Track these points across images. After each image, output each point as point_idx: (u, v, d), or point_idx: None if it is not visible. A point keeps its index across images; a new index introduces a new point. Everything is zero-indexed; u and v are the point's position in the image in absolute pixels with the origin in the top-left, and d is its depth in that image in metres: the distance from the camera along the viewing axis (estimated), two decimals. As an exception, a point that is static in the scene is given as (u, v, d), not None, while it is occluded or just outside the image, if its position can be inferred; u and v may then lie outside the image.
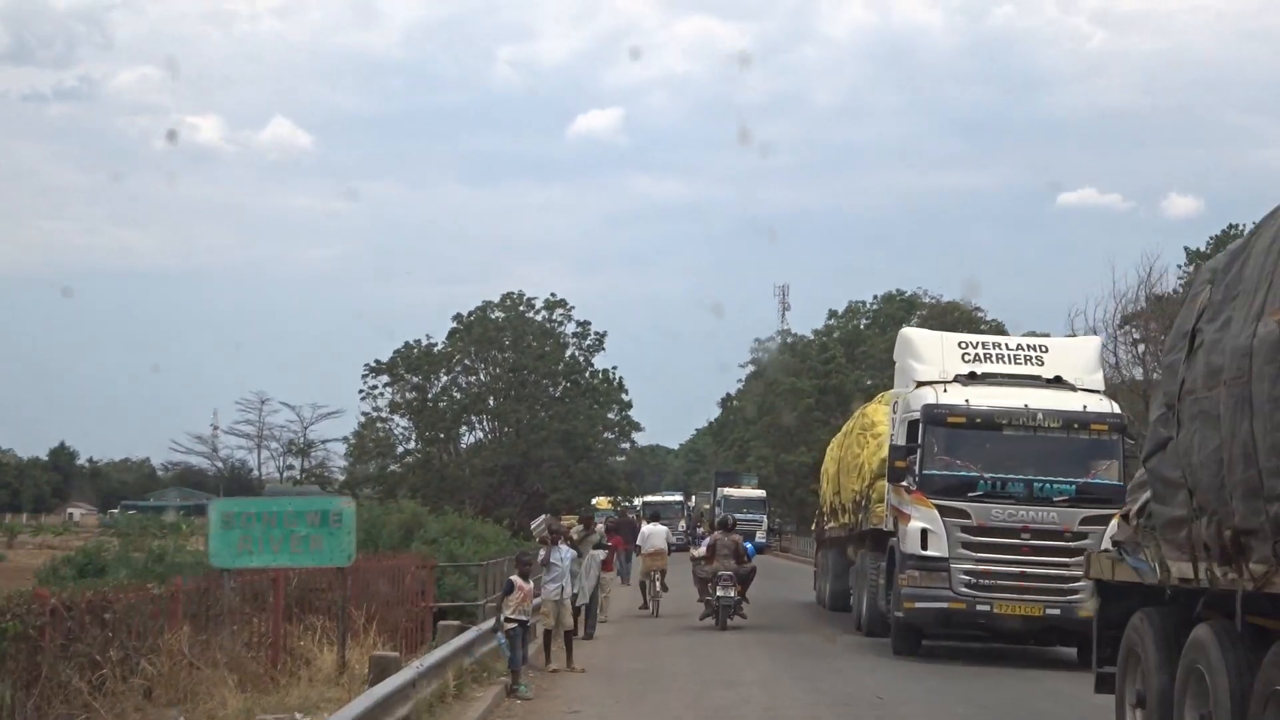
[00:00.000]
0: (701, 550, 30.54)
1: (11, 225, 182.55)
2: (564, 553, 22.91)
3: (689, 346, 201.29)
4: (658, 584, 33.48)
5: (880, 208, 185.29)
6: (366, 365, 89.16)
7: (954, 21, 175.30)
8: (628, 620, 32.92)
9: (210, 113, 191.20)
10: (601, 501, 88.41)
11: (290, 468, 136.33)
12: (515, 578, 20.69)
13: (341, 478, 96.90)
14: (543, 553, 23.14)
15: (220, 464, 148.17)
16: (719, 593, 29.12)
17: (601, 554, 27.29)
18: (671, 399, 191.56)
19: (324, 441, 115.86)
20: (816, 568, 38.98)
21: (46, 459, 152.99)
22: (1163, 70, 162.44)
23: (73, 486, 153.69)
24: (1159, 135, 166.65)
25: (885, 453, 26.52)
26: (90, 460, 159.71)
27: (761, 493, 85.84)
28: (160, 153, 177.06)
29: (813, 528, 38.32)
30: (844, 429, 34.49)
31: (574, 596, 23.64)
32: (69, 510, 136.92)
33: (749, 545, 31.16)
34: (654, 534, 34.19)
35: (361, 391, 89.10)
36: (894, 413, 26.43)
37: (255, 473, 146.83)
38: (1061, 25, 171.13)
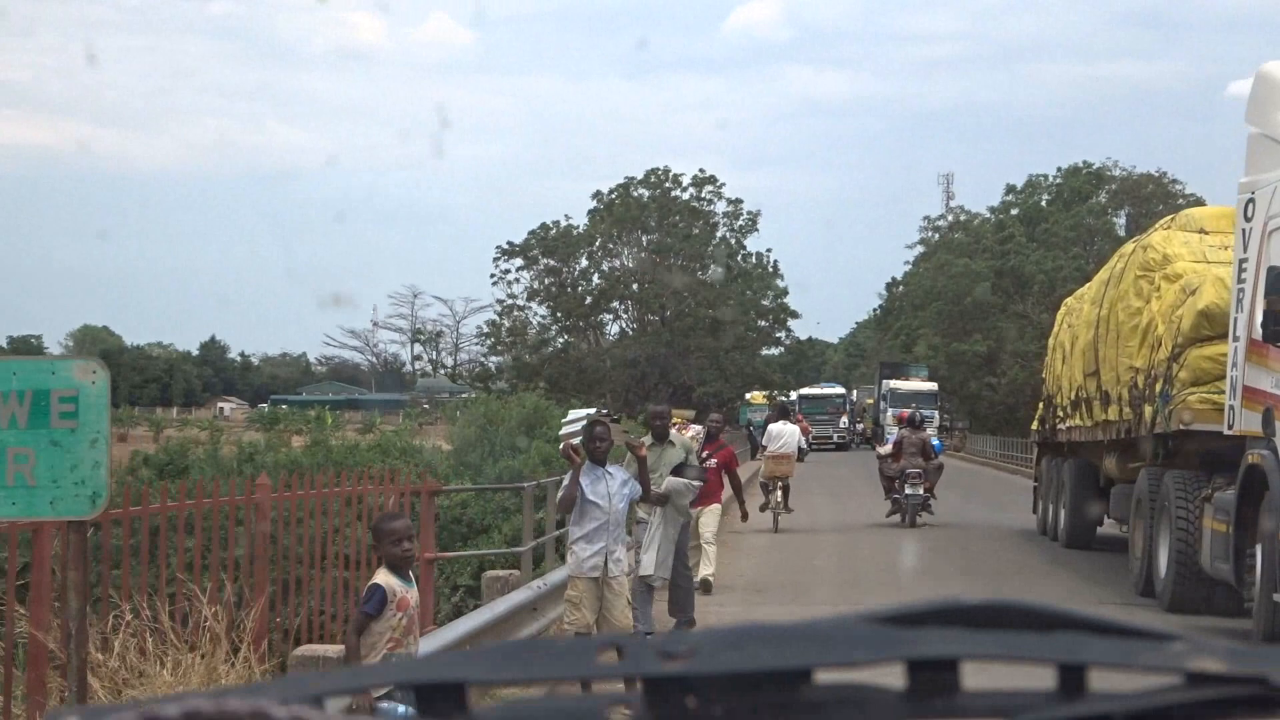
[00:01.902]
0: (888, 448, 29.51)
1: (175, 122, 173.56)
2: (615, 478, 11.55)
3: (849, 241, 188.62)
4: (778, 496, 27.30)
5: (1046, 102, 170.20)
6: (498, 247, 77.69)
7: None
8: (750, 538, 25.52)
9: (370, 9, 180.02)
10: (756, 396, 77.12)
11: (443, 366, 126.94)
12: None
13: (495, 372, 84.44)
14: (567, 479, 11.63)
15: (374, 358, 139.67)
16: (908, 490, 27.91)
17: (695, 484, 14.34)
18: (831, 294, 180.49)
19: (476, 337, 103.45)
20: (1038, 483, 26.26)
21: (198, 353, 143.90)
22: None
23: (225, 381, 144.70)
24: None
25: (1206, 301, 15.79)
26: (241, 354, 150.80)
27: (932, 385, 73.53)
28: (320, 52, 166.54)
29: (1034, 427, 25.63)
30: (1098, 279, 22.38)
31: (635, 569, 13.13)
32: (219, 404, 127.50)
33: (935, 443, 30.40)
34: (783, 434, 27.37)
35: (493, 276, 77.90)
36: (1245, 219, 13.79)
37: (408, 367, 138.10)
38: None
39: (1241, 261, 14.44)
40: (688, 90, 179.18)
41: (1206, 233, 19.05)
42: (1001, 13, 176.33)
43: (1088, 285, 24.59)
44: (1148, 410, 17.87)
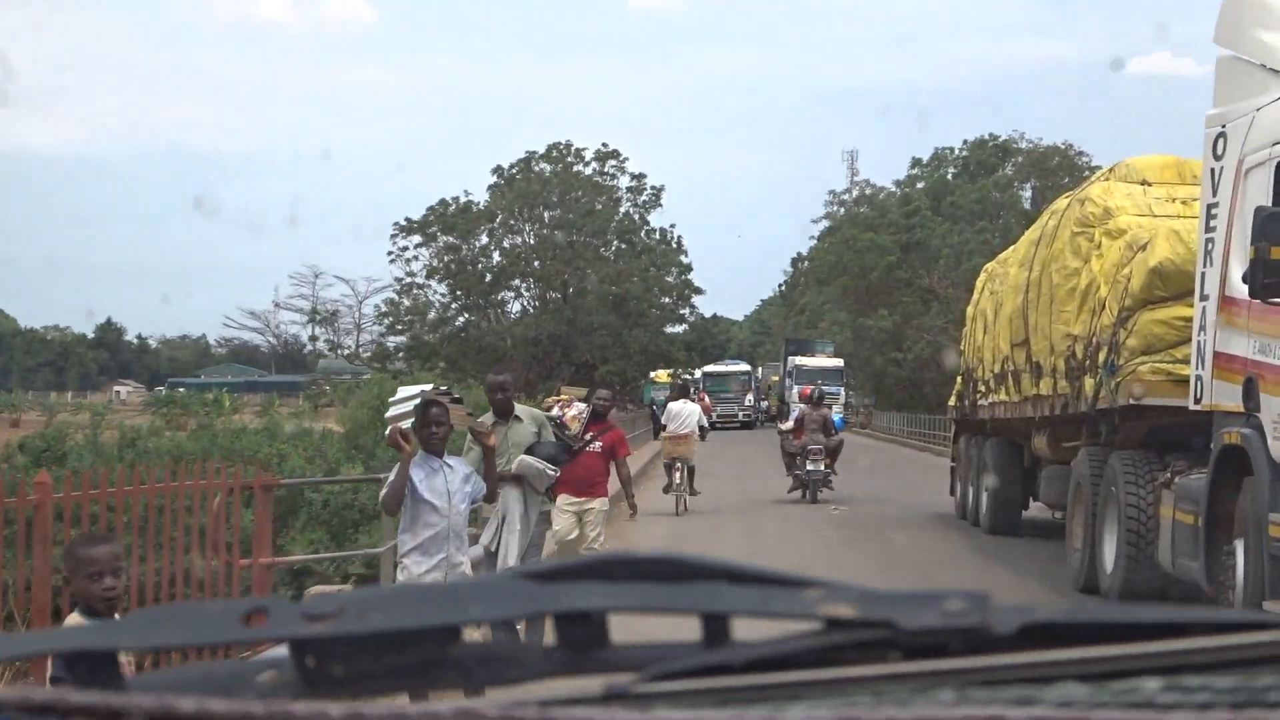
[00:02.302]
0: (789, 424, 29.23)
1: (70, 100, 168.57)
2: (455, 472, 9.25)
3: (754, 219, 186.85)
4: (679, 477, 25.94)
5: (951, 79, 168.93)
6: (395, 224, 74.92)
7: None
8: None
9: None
10: (660, 374, 74.92)
11: (344, 347, 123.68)
12: None
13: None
14: (393, 473, 9.30)
15: (274, 339, 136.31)
16: (809, 466, 27.73)
17: (549, 470, 11.51)
18: (736, 273, 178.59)
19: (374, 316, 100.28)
20: (956, 463, 24.01)
21: (93, 336, 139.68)
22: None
23: (122, 364, 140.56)
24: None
25: (1160, 257, 13.99)
26: (139, 337, 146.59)
27: (838, 361, 71.50)
28: (222, 25, 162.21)
29: (951, 403, 23.37)
30: (1026, 239, 20.21)
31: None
32: (116, 388, 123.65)
33: (837, 419, 30.76)
34: (683, 413, 26.30)
35: (390, 254, 75.08)
36: (1215, 157, 11.54)
37: (308, 348, 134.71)
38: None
39: (1210, 207, 12.11)
40: (593, 68, 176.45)
41: (1149, 184, 16.80)
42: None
43: (1013, 248, 22.31)
44: (1088, 383, 15.58)
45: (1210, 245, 12.11)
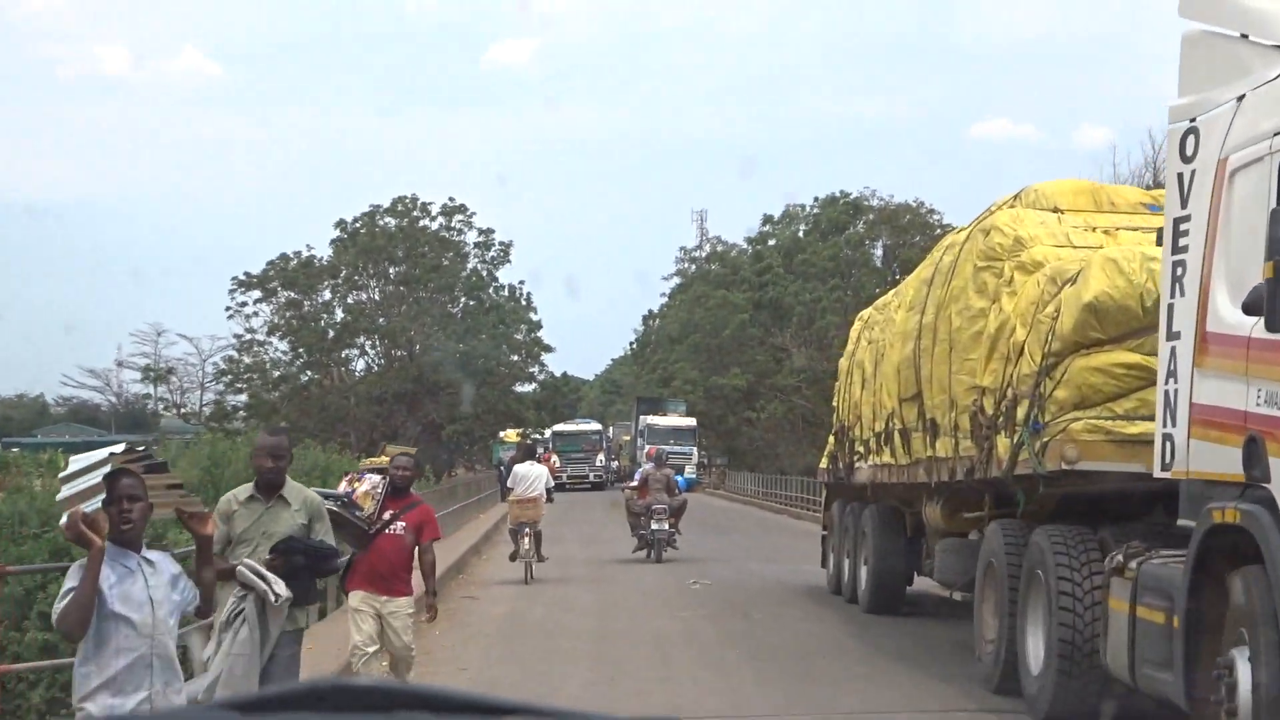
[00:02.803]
0: (634, 483, 29.16)
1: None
2: (160, 572, 6.49)
3: (604, 279, 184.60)
4: (527, 543, 24.38)
5: (800, 136, 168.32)
6: (234, 278, 70.84)
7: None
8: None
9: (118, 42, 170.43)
10: (510, 434, 71.23)
11: (184, 405, 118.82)
12: None
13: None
14: (74, 578, 6.27)
15: (115, 398, 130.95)
16: (653, 526, 27.43)
17: (279, 593, 8.20)
18: (587, 332, 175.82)
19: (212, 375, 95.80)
20: (828, 532, 21.29)
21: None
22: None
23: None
24: (1073, 64, 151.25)
25: (1096, 291, 11.98)
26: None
27: (691, 421, 68.91)
28: (67, 82, 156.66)
29: (823, 465, 20.63)
30: (914, 278, 17.54)
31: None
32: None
33: (680, 479, 30.48)
34: (529, 476, 24.87)
35: (228, 309, 70.90)
36: (1184, 158, 8.93)
37: (151, 407, 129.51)
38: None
39: (1179, 223, 9.44)
40: (443, 125, 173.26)
41: (1062, 211, 14.24)
42: (752, 47, 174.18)
43: (894, 291, 19.57)
44: (1002, 443, 12.85)
45: (1179, 271, 9.43)
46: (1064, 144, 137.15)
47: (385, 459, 16.24)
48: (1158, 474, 9.70)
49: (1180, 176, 9.47)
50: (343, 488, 11.00)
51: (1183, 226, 9.39)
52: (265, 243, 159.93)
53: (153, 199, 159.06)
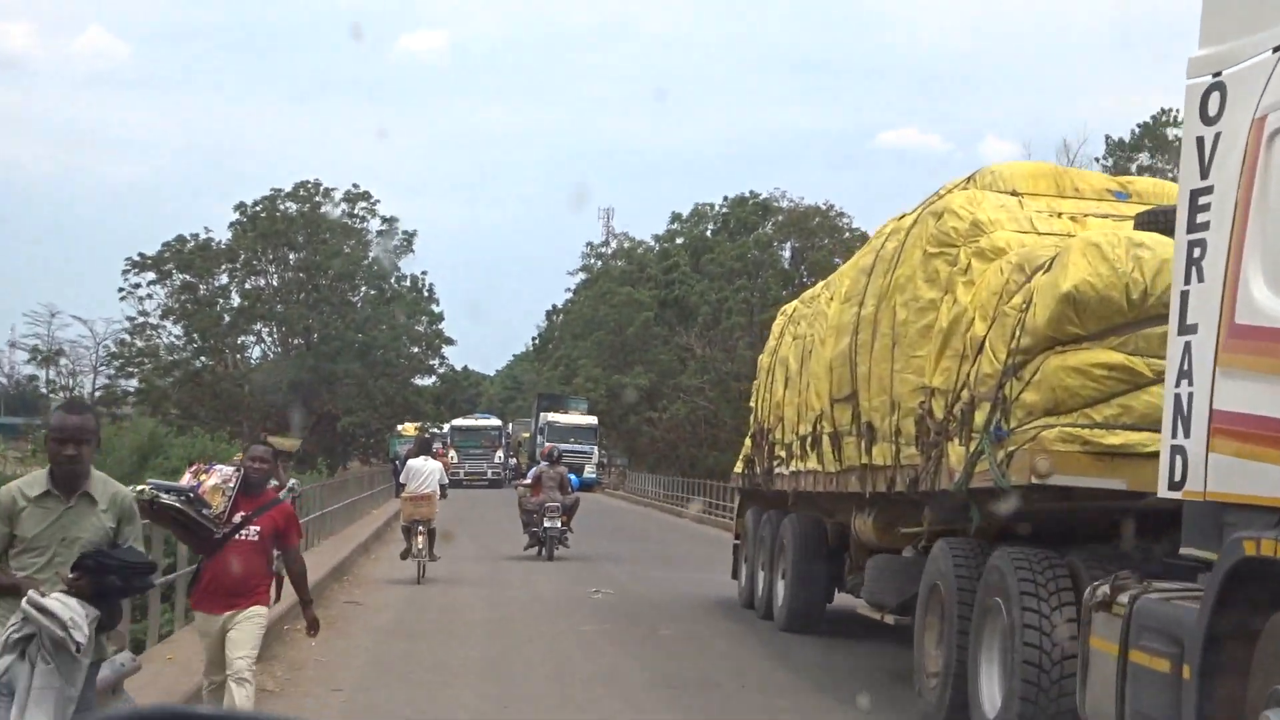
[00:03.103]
0: (528, 481, 28.63)
1: None
2: None
3: (509, 273, 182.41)
4: (420, 541, 23.15)
5: (708, 143, 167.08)
6: (128, 259, 68.39)
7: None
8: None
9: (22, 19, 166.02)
10: (408, 428, 68.94)
11: (74, 387, 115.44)
12: None
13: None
14: None
15: (4, 379, 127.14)
16: (545, 524, 27.06)
17: (75, 630, 6.29)
18: (489, 327, 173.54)
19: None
20: (740, 541, 19.67)
21: None
22: (989, 16, 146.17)
23: None
24: (983, 80, 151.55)
25: (1075, 279, 10.52)
26: None
27: (592, 419, 67.13)
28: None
29: (738, 469, 18.98)
30: (851, 267, 16.02)
31: None
32: None
33: (574, 478, 30.32)
34: (422, 471, 23.81)
35: (121, 290, 68.35)
36: (1205, 119, 7.25)
37: (44, 390, 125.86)
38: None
39: (1196, 195, 7.85)
40: (351, 115, 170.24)
41: (1021, 195, 12.67)
42: (662, 55, 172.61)
43: (825, 282, 17.82)
44: (954, 451, 11.23)
45: (1197, 252, 7.81)
46: (970, 155, 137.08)
47: (273, 446, 14.38)
48: (1163, 493, 8.07)
49: (1200, 141, 7.85)
50: (187, 480, 9.13)
51: (1202, 200, 7.77)
52: (168, 227, 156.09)
53: (52, 178, 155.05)
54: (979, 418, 10.73)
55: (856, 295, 14.35)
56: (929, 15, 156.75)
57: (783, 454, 17.60)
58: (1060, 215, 12.26)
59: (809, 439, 16.10)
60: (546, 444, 36.56)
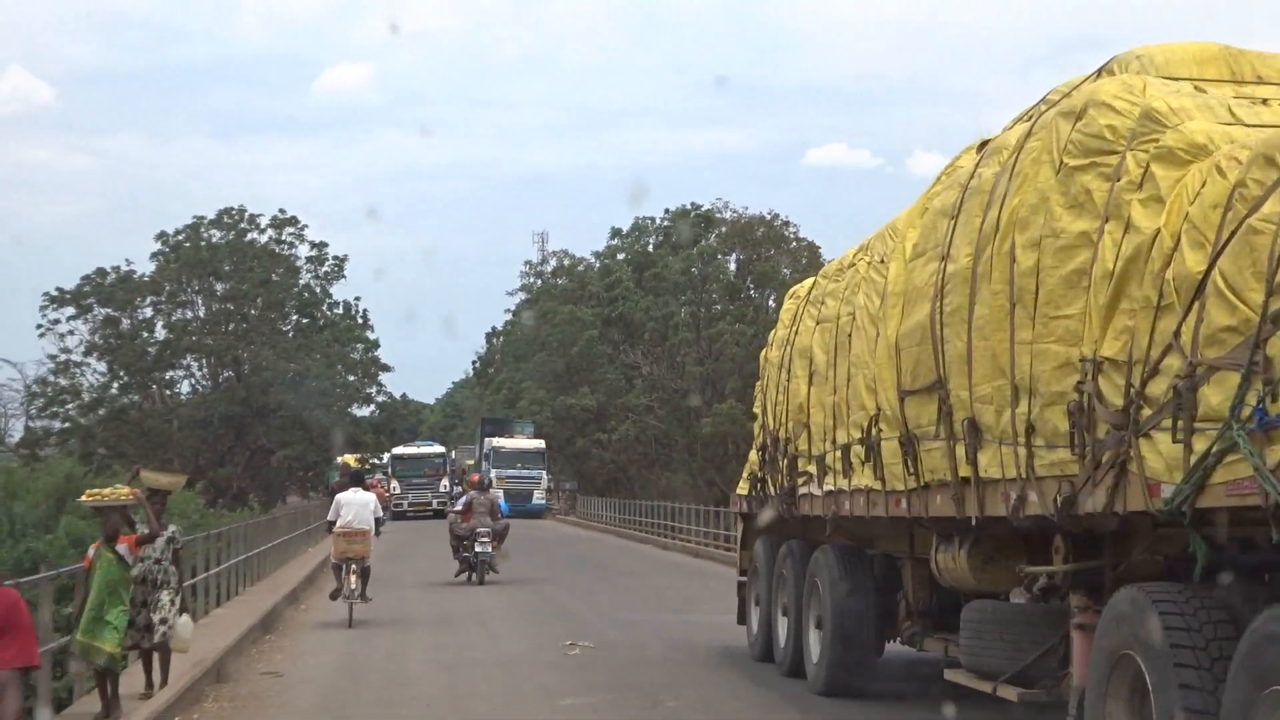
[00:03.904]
0: (459, 507, 28.62)
1: None
2: None
3: (443, 303, 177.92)
4: (353, 581, 20.61)
5: (636, 166, 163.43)
6: (45, 294, 63.47)
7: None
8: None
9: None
10: (350, 459, 63.43)
11: (4, 433, 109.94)
12: None
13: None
14: None
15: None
16: (477, 549, 27.10)
17: None
18: (425, 358, 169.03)
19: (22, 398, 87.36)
20: (748, 577, 15.41)
21: None
22: (910, 34, 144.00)
23: None
24: (905, 96, 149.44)
25: None
26: None
27: (539, 443, 62.97)
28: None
29: (742, 490, 14.61)
30: (918, 209, 11.26)
31: None
32: None
33: (503, 504, 30.80)
34: (353, 504, 21.10)
35: (40, 327, 63.46)
36: None
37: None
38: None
39: None
40: (277, 152, 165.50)
41: (1194, 82, 8.62)
42: (585, 82, 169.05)
43: (863, 245, 13.50)
44: (1153, 453, 7.14)
45: None
46: (899, 170, 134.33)
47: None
48: None
49: None
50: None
51: None
52: (91, 264, 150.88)
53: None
54: (1213, 398, 6.62)
55: (935, 246, 10.17)
56: (849, 38, 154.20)
57: (811, 469, 13.40)
58: (1259, 101, 8.23)
59: (853, 449, 11.93)
60: (474, 473, 35.25)
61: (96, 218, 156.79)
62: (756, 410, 16.29)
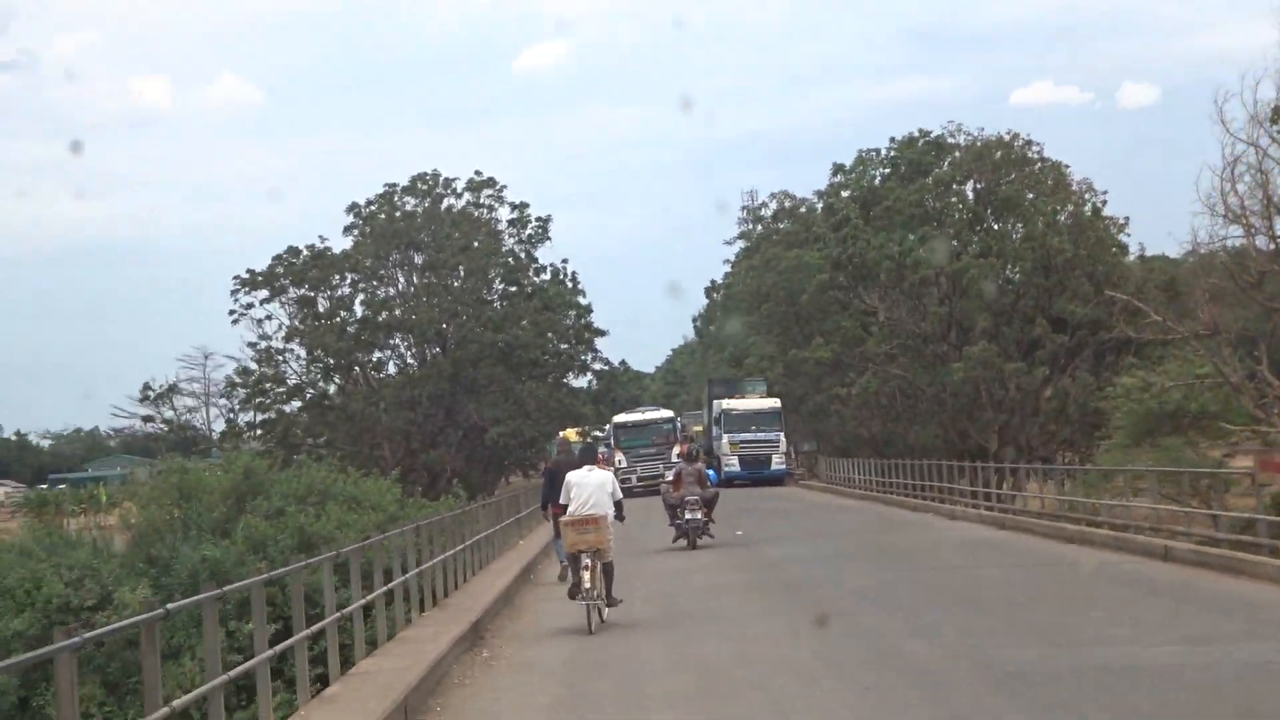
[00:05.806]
0: (670, 477, 28.88)
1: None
2: None
3: (653, 276, 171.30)
4: (588, 579, 16.19)
5: (839, 123, 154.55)
6: (235, 277, 57.28)
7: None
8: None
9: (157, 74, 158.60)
10: (570, 433, 55.03)
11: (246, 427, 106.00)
12: None
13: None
14: None
15: (164, 425, 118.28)
16: (687, 515, 27.28)
17: None
18: (643, 327, 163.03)
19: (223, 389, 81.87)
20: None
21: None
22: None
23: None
24: (1110, 28, 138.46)
25: None
26: (18, 433, 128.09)
27: (774, 402, 54.64)
28: (105, 119, 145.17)
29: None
30: None
31: None
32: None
33: (710, 472, 30.36)
34: (585, 485, 16.76)
35: (232, 313, 57.25)
36: None
37: (206, 431, 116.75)
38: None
39: None
40: (483, 134, 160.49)
41: None
42: (784, 42, 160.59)
43: None
44: None
45: None
46: (1108, 104, 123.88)
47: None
48: None
49: None
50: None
51: None
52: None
53: (199, 230, 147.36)
54: None
55: None
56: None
57: None
58: None
59: None
60: (682, 443, 33.28)
61: (308, 214, 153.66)
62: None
